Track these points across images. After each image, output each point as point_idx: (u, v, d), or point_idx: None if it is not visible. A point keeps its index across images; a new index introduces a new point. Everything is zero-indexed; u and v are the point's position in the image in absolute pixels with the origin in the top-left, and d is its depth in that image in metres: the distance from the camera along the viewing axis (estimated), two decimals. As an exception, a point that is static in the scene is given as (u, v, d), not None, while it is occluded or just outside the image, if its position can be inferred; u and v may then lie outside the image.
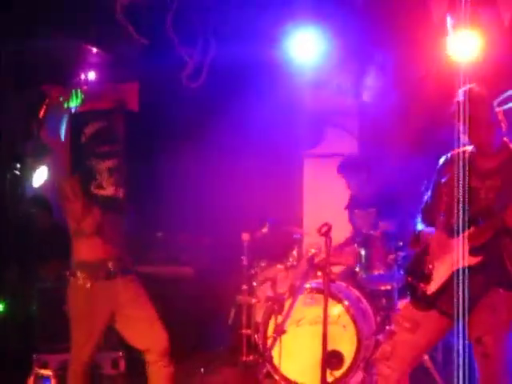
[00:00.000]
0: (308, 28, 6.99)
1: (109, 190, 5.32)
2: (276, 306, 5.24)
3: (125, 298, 5.45)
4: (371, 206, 7.09)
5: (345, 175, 7.29)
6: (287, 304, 5.18)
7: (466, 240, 4.39)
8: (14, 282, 7.10)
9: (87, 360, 5.42)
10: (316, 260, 5.32)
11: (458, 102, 4.50)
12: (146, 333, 5.48)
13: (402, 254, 6.39)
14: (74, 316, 5.46)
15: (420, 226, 4.80)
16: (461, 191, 4.54)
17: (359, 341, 6.23)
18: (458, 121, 4.50)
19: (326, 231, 5.16)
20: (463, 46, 6.57)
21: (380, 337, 6.12)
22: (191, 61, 6.19)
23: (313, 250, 5.24)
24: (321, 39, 7.16)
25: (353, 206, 7.30)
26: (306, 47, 7.25)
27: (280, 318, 5.09)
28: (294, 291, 5.35)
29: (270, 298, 5.92)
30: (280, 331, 4.99)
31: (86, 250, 5.42)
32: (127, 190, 5.49)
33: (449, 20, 6.38)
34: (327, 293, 5.03)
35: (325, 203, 7.82)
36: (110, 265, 5.41)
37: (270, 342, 5.15)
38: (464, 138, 4.54)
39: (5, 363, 6.67)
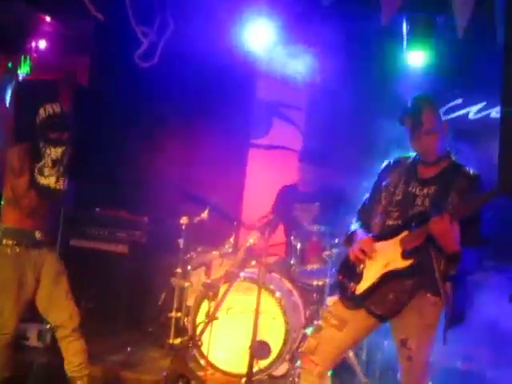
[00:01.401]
0: (263, 17, 6.95)
1: (49, 180, 5.30)
2: (211, 291, 5.17)
3: (48, 270, 5.46)
4: (315, 200, 7.05)
5: (308, 167, 7.12)
6: (221, 291, 5.13)
7: (399, 243, 4.40)
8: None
9: (13, 328, 5.35)
10: (253, 250, 5.28)
11: (407, 108, 4.52)
12: (60, 308, 5.48)
13: (336, 251, 6.37)
14: (1, 283, 5.40)
15: (354, 226, 4.80)
16: (399, 196, 4.58)
17: (287, 333, 6.19)
18: (405, 127, 4.52)
19: (265, 223, 5.14)
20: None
21: (307, 331, 6.10)
22: (146, 40, 6.07)
23: (251, 240, 5.20)
24: (275, 29, 7.13)
25: (295, 198, 7.19)
26: (260, 36, 7.21)
27: (213, 304, 5.03)
28: (230, 278, 5.29)
29: (206, 283, 5.86)
30: (212, 317, 4.95)
31: (15, 218, 5.40)
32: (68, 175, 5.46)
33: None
34: (262, 283, 4.98)
35: (264, 194, 7.76)
36: (37, 234, 5.41)
37: (200, 327, 5.10)
38: (411, 145, 4.56)
39: None
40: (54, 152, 5.28)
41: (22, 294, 5.35)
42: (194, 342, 5.18)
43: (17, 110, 8.01)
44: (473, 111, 7.55)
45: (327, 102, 7.67)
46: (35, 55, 8.48)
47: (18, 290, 5.33)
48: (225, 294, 5.09)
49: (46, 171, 5.28)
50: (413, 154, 4.66)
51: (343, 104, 7.41)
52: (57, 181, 5.30)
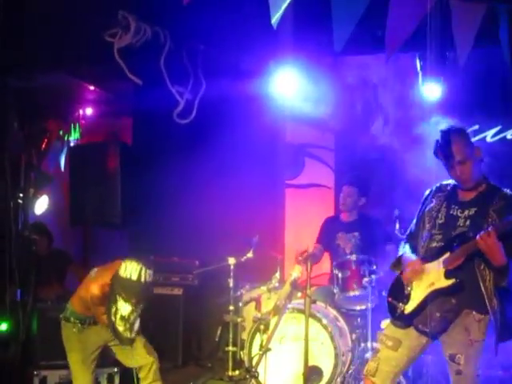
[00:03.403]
0: (288, 65, 7.04)
1: (122, 328, 5.29)
2: (262, 325, 5.22)
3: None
4: (355, 230, 7.08)
5: (354, 190, 7.13)
6: (272, 323, 5.17)
7: (442, 263, 4.42)
8: (17, 303, 7.04)
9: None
10: (297, 283, 5.32)
11: (438, 141, 4.55)
12: (137, 357, 5.63)
13: (375, 276, 6.40)
14: (69, 350, 5.62)
15: (402, 250, 4.83)
16: (442, 219, 4.60)
17: (336, 357, 6.21)
18: (439, 159, 4.56)
19: (305, 257, 5.19)
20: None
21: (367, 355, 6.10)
22: (182, 99, 6.19)
23: (294, 274, 5.25)
24: (300, 76, 7.22)
25: (335, 227, 7.23)
26: (286, 83, 7.30)
27: (265, 337, 5.08)
28: (279, 311, 5.34)
29: (257, 318, 5.91)
30: (266, 349, 5.00)
31: (82, 309, 5.53)
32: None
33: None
34: (308, 313, 5.02)
35: (304, 229, 7.81)
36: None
37: (256, 358, 5.14)
38: (449, 175, 4.59)
39: (7, 379, 6.62)
40: (124, 308, 5.26)
41: (87, 359, 5.55)
42: (251, 373, 5.21)
43: (71, 174, 8.19)
44: (489, 135, 7.55)
45: (355, 140, 7.69)
46: (83, 121, 8.69)
47: (82, 355, 5.53)
48: (275, 326, 5.13)
49: (118, 319, 5.28)
50: (453, 181, 4.69)
51: (370, 140, 7.42)
52: (124, 331, 5.32)
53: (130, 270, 5.22)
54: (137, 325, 5.39)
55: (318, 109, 7.52)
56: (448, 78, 6.59)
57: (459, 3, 4.64)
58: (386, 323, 4.91)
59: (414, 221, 4.86)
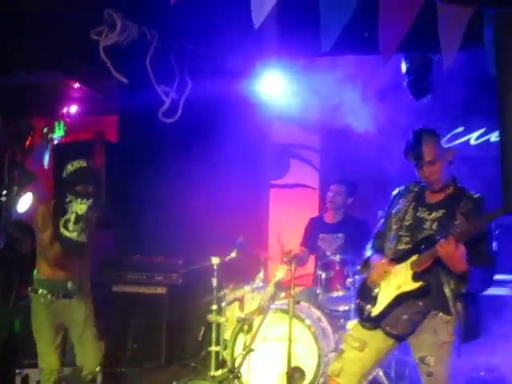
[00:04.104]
0: (275, 66, 7.06)
1: (72, 234, 5.38)
2: (246, 325, 5.22)
3: (76, 318, 5.65)
4: (339, 231, 7.11)
5: (343, 188, 7.20)
6: (255, 324, 5.18)
7: (409, 266, 4.44)
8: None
9: (56, 367, 5.56)
10: (281, 283, 5.33)
11: (408, 142, 4.57)
12: (87, 350, 5.65)
13: (358, 278, 6.41)
14: (37, 328, 5.66)
15: (369, 252, 4.84)
16: (409, 221, 4.61)
17: (319, 357, 6.21)
18: (408, 159, 4.57)
19: (290, 258, 5.20)
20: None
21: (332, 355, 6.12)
22: (168, 98, 6.18)
23: (279, 275, 5.24)
24: (286, 77, 7.24)
25: (320, 229, 7.26)
26: (272, 83, 7.33)
27: (249, 337, 5.08)
28: (263, 311, 5.34)
29: (241, 318, 5.90)
30: (249, 349, 5.00)
31: (47, 270, 5.61)
32: (94, 230, 5.63)
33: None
34: (292, 313, 5.03)
35: (288, 230, 7.83)
36: (69, 284, 5.60)
37: (239, 359, 5.14)
38: (417, 175, 4.60)
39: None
40: (79, 207, 5.38)
41: (56, 338, 5.59)
42: (234, 373, 5.21)
43: (55, 171, 8.16)
44: (473, 137, 7.60)
45: (340, 141, 7.71)
46: (68, 119, 8.65)
47: (51, 333, 5.57)
48: (259, 326, 5.13)
49: (70, 226, 5.37)
50: (421, 183, 4.70)
51: (355, 142, 7.44)
52: (79, 235, 5.39)
53: (71, 168, 5.46)
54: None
55: (303, 109, 7.53)
56: (433, 80, 6.64)
57: (446, 6, 4.66)
58: (352, 324, 4.93)
59: (382, 220, 4.87)
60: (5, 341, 6.80)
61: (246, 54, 6.56)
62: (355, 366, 4.57)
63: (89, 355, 5.65)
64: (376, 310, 4.54)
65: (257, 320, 5.27)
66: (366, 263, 4.80)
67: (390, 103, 7.40)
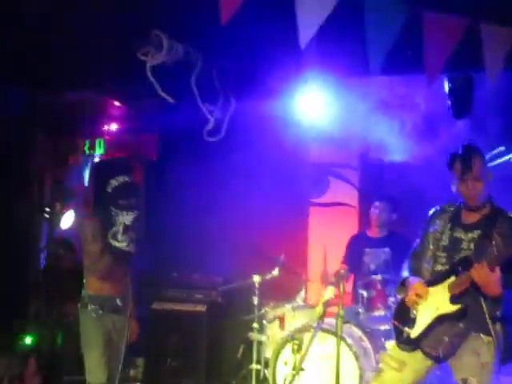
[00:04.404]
0: (316, 84, 7.09)
1: (121, 244, 5.51)
2: (295, 344, 5.25)
3: (122, 335, 5.72)
4: (385, 245, 7.09)
5: (386, 206, 7.20)
6: (305, 343, 5.20)
7: (447, 288, 4.44)
8: (41, 317, 7.12)
9: (104, 381, 5.53)
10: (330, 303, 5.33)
11: (456, 154, 4.59)
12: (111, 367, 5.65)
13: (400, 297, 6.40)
14: (85, 343, 5.64)
15: (406, 273, 4.83)
16: (446, 241, 4.62)
17: (361, 377, 6.20)
18: (453, 170, 4.59)
19: (339, 277, 5.22)
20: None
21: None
22: (212, 117, 6.26)
23: (328, 295, 5.25)
24: (326, 95, 7.27)
25: (362, 243, 7.24)
26: (312, 103, 7.37)
27: (298, 357, 5.11)
28: (306, 331, 5.37)
29: (291, 337, 5.89)
30: (299, 368, 5.02)
31: (97, 286, 5.63)
32: (140, 244, 5.71)
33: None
34: (340, 333, 5.03)
35: (328, 248, 7.83)
36: (118, 301, 5.65)
37: (288, 378, 5.16)
38: (456, 189, 4.61)
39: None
40: (126, 218, 5.51)
41: (105, 353, 5.56)
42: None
43: (95, 189, 8.26)
44: (517, 157, 7.56)
45: (379, 160, 7.72)
46: (108, 137, 8.77)
47: (103, 346, 5.55)
48: (309, 346, 5.14)
49: (119, 236, 5.49)
50: (457, 203, 4.71)
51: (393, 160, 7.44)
52: (128, 245, 5.52)
53: (115, 183, 5.56)
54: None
55: (342, 128, 7.56)
56: (475, 99, 6.64)
57: (490, 27, 4.68)
58: (391, 344, 4.92)
59: (418, 241, 4.87)
60: (46, 358, 6.90)
61: (288, 74, 6.61)
62: None
63: (112, 371, 5.66)
64: (415, 332, 4.54)
65: (307, 340, 5.28)
66: (403, 285, 4.80)
67: (431, 122, 7.41)
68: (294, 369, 5.12)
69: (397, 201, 7.29)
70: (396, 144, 7.34)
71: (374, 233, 7.29)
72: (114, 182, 5.59)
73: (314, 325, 5.40)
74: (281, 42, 5.57)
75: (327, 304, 5.23)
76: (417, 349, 4.52)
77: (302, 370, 5.05)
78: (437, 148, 7.01)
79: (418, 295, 4.55)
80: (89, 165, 8.68)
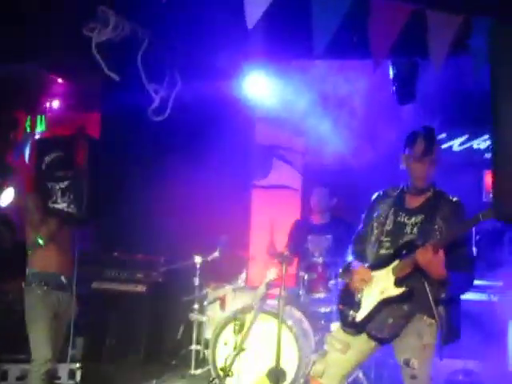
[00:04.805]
0: (262, 67, 7.11)
1: (61, 205, 5.57)
2: (237, 325, 5.28)
3: (65, 313, 5.75)
4: (328, 232, 7.14)
5: (325, 191, 7.21)
6: (247, 323, 5.23)
7: (391, 271, 4.52)
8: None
9: (50, 357, 5.53)
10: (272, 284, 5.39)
11: (417, 133, 4.63)
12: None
13: (340, 280, 6.49)
14: (31, 319, 5.63)
15: (350, 258, 4.89)
16: (390, 225, 4.69)
17: (300, 358, 6.26)
18: (411, 148, 4.63)
19: (282, 259, 5.27)
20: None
21: (315, 356, 6.18)
22: (158, 97, 6.22)
23: (271, 276, 5.30)
24: (273, 77, 7.30)
25: (305, 230, 7.28)
26: (258, 84, 7.39)
27: (239, 337, 5.14)
28: (247, 311, 5.40)
29: (233, 317, 5.92)
30: (240, 348, 5.05)
31: (41, 262, 5.68)
32: (82, 207, 5.68)
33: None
34: (281, 314, 5.09)
35: (268, 231, 7.89)
36: (62, 278, 5.69)
37: (229, 358, 5.18)
38: (408, 168, 4.67)
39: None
40: (62, 184, 5.61)
41: (51, 329, 5.58)
42: (226, 373, 5.22)
43: (35, 166, 8.14)
44: (456, 144, 7.71)
45: (324, 144, 7.77)
46: (50, 114, 8.64)
47: (49, 322, 5.57)
48: (250, 326, 5.18)
49: (59, 200, 5.58)
50: (400, 186, 4.78)
51: (337, 145, 7.51)
52: (69, 206, 5.53)
53: (48, 159, 5.77)
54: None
55: (288, 111, 7.60)
56: (418, 85, 6.74)
57: (435, 13, 4.74)
58: (336, 326, 4.99)
59: (361, 225, 4.93)
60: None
61: (235, 55, 6.59)
62: (337, 367, 4.64)
63: (55, 348, 5.67)
64: (360, 316, 4.59)
65: (249, 320, 5.31)
66: (347, 269, 4.84)
67: (374, 107, 7.49)
68: (235, 349, 5.15)
69: (335, 185, 7.35)
70: (338, 131, 7.43)
71: (316, 219, 7.34)
72: (47, 159, 5.65)
73: (256, 305, 5.41)
74: (228, 22, 5.55)
75: (269, 285, 5.28)
76: (362, 332, 4.58)
77: (242, 350, 5.09)
78: (379, 136, 7.13)
79: (362, 279, 4.61)
80: (30, 142, 8.55)
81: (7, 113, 8.04)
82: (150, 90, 6.15)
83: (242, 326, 5.25)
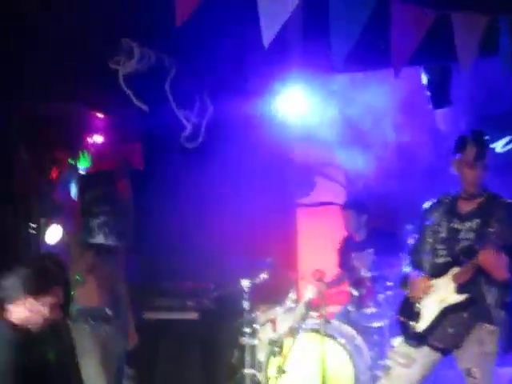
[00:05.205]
0: (296, 84, 7.09)
1: (98, 239, 5.62)
2: (277, 347, 5.24)
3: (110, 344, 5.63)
4: (368, 247, 7.08)
5: (351, 213, 7.26)
6: (287, 345, 5.19)
7: (451, 279, 4.43)
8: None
9: None
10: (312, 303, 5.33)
11: (467, 138, 4.56)
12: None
13: (390, 293, 6.42)
14: (80, 355, 5.49)
15: (407, 269, 4.83)
16: (443, 233, 4.61)
17: (356, 376, 6.19)
18: (463, 153, 4.55)
19: (319, 277, 5.21)
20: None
21: (377, 372, 6.09)
22: (189, 124, 6.25)
23: (308, 295, 5.25)
24: (308, 95, 7.27)
25: (349, 248, 7.29)
26: (293, 102, 7.36)
27: (281, 359, 5.09)
28: (293, 333, 5.36)
29: (271, 340, 5.89)
30: (281, 371, 5.01)
31: (83, 297, 5.61)
32: (121, 240, 5.74)
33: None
34: (323, 332, 5.03)
35: (317, 248, 7.83)
36: (106, 310, 5.64)
37: (272, 381, 5.15)
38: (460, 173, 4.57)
39: None
40: (99, 220, 5.66)
41: (102, 362, 5.51)
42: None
43: (80, 202, 8.24)
44: (499, 145, 7.57)
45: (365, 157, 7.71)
46: (93, 149, 8.73)
47: (100, 355, 5.50)
48: (290, 348, 5.13)
49: (95, 234, 5.63)
50: (451, 193, 4.71)
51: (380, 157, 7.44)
52: (105, 239, 5.61)
53: (87, 197, 5.94)
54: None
55: (327, 127, 7.56)
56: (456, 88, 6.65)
57: (461, 15, 4.68)
58: (397, 341, 4.92)
59: (416, 236, 4.87)
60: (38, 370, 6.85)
61: (266, 73, 6.60)
62: (402, 382, 4.59)
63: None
64: (421, 326, 4.55)
65: (288, 341, 5.27)
66: (405, 280, 4.79)
67: (415, 117, 7.42)
68: (277, 372, 5.10)
69: (361, 202, 7.33)
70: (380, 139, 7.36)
71: (355, 237, 7.36)
72: (88, 194, 5.71)
73: (295, 326, 5.36)
74: (257, 39, 5.56)
75: (309, 304, 5.23)
76: (424, 343, 4.51)
77: (283, 372, 5.04)
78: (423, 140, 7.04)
79: (420, 290, 4.54)
80: (74, 178, 8.63)
81: (49, 151, 8.14)
82: (181, 116, 6.18)
83: (281, 348, 5.19)
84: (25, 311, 3.95)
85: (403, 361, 4.58)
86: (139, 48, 5.63)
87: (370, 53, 5.58)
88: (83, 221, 5.70)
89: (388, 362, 4.79)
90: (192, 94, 6.38)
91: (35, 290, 3.96)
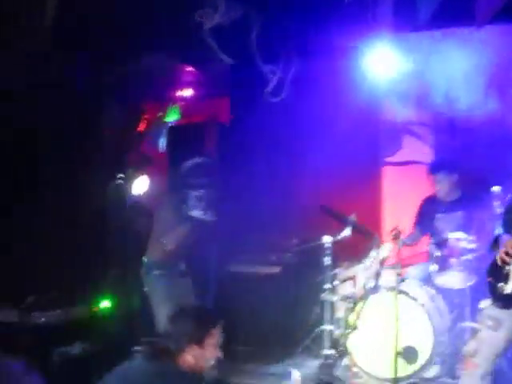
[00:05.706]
0: (385, 42, 6.95)
1: (196, 213, 5.74)
2: (352, 304, 5.26)
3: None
4: (458, 209, 6.91)
5: (441, 173, 6.98)
6: (361, 303, 5.18)
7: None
8: (118, 281, 7.30)
9: None
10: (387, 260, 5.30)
11: None
12: None
13: (474, 255, 6.32)
14: (155, 303, 5.90)
15: (499, 230, 4.76)
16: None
17: (434, 337, 6.13)
18: None
19: (396, 234, 5.17)
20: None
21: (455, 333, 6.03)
22: (274, 78, 6.24)
23: (384, 253, 5.22)
24: (397, 52, 7.12)
25: (436, 209, 7.06)
26: (383, 60, 7.21)
27: (354, 316, 5.10)
28: (368, 291, 5.35)
29: (346, 297, 5.89)
30: (353, 327, 5.02)
31: (160, 253, 5.90)
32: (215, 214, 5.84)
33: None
34: (397, 290, 5.00)
35: (401, 207, 7.74)
36: (182, 266, 5.98)
37: (343, 337, 5.17)
38: None
39: (110, 355, 6.83)
40: (197, 193, 5.74)
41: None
42: (338, 351, 5.24)
43: (169, 154, 8.38)
44: None
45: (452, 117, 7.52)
46: (182, 103, 8.84)
47: (174, 304, 5.58)
48: (363, 305, 5.13)
49: (192, 207, 5.72)
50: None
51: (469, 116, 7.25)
52: (203, 214, 5.60)
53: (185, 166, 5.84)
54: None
55: (416, 85, 7.41)
56: None
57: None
58: (485, 303, 4.86)
59: (509, 195, 4.79)
60: (124, 320, 7.06)
61: (354, 30, 6.51)
62: (490, 346, 4.58)
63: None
64: (509, 288, 4.48)
65: (362, 299, 5.26)
66: (496, 242, 4.74)
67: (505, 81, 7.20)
68: (347, 328, 5.11)
69: (451, 162, 7.08)
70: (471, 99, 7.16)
71: (445, 197, 7.05)
72: (184, 165, 5.83)
73: (370, 283, 5.34)
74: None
75: (383, 262, 5.20)
76: (511, 305, 4.46)
77: (355, 328, 5.04)
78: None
79: (507, 253, 4.49)
80: (164, 131, 8.77)
81: (136, 104, 8.28)
82: (267, 71, 6.16)
83: (355, 305, 5.19)
84: (192, 359, 4.01)
85: (490, 323, 4.54)
86: (224, 1, 5.63)
87: (459, 8, 5.41)
88: (179, 192, 5.82)
89: (476, 325, 4.74)
90: (277, 49, 6.33)
91: (197, 339, 4.02)
